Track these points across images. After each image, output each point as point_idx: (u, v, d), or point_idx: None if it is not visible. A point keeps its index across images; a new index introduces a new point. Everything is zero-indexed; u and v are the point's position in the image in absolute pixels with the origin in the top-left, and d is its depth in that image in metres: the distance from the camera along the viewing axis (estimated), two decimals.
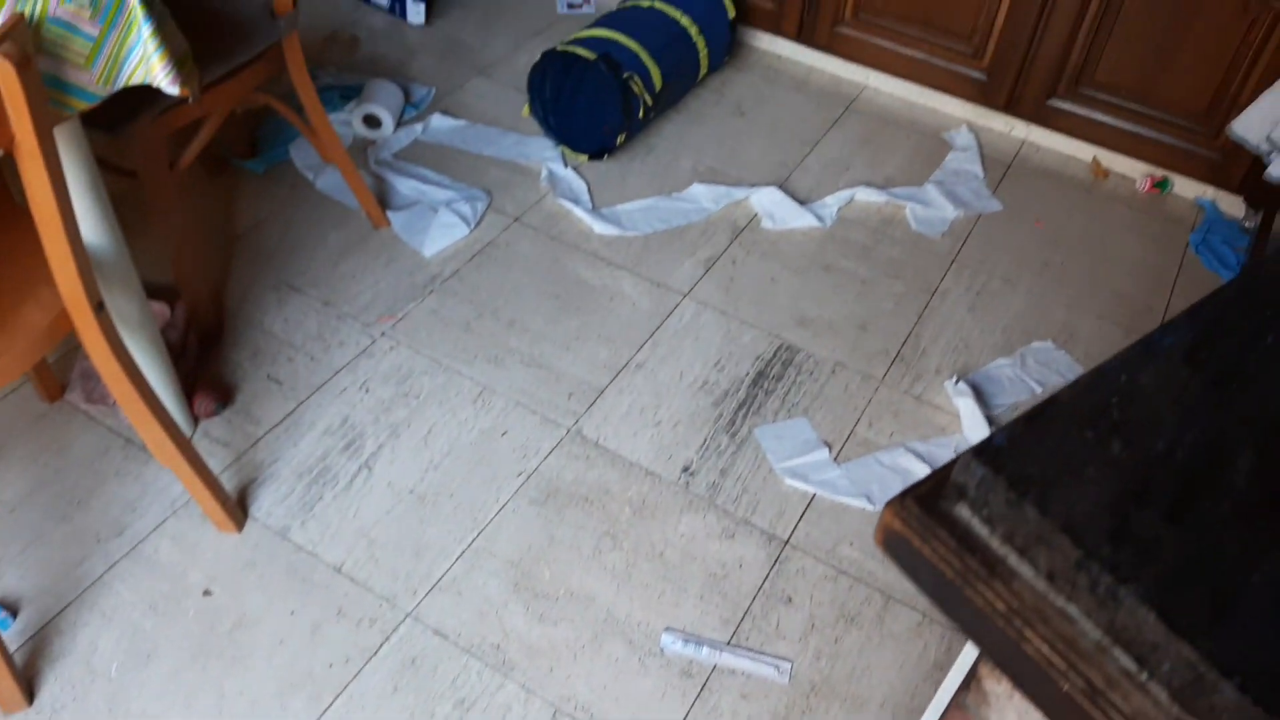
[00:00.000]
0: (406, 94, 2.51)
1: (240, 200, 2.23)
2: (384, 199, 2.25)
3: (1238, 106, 2.15)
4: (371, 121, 2.40)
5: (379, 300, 2.03)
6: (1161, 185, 2.40)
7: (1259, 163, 2.14)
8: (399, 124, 2.43)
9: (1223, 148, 2.25)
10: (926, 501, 0.51)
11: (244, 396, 1.84)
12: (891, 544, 0.52)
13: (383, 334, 1.97)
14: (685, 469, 1.77)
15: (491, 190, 2.30)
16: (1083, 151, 2.48)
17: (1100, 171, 2.46)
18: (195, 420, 1.80)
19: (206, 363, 1.89)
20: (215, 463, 1.72)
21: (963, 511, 0.51)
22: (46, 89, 1.14)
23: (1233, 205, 2.35)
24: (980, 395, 1.89)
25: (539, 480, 1.74)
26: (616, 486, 1.73)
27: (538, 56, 2.35)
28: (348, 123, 2.41)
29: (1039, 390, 1.93)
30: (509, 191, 2.30)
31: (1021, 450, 0.51)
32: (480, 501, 1.70)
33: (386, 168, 2.33)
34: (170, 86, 1.23)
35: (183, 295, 1.88)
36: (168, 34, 1.22)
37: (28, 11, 1.13)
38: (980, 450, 0.50)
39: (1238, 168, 2.25)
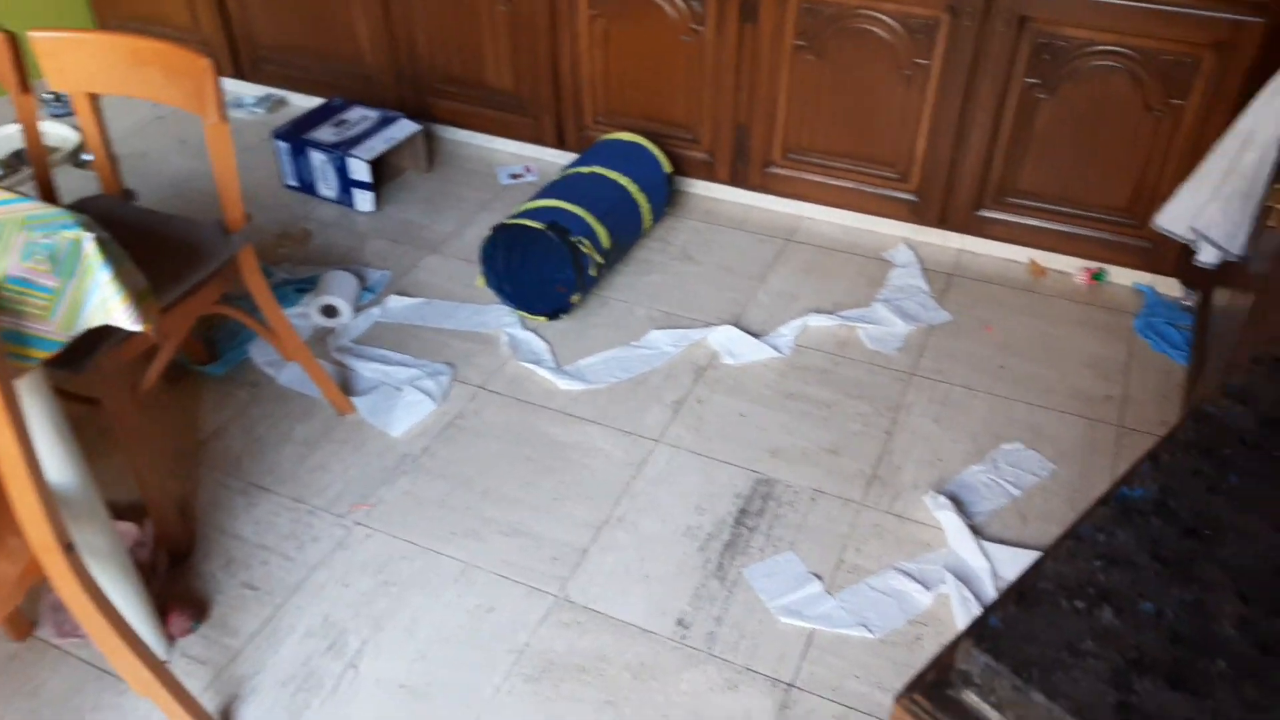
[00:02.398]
0: (362, 279, 2.56)
1: (202, 406, 2.23)
2: (347, 385, 2.26)
3: (1159, 196, 2.26)
4: (329, 311, 2.43)
5: (350, 489, 2.02)
6: (1099, 276, 2.49)
7: (1189, 248, 2.24)
8: (357, 310, 2.47)
9: (1151, 236, 2.35)
10: (934, 693, 0.51)
11: (219, 608, 1.79)
12: None
13: (357, 523, 1.94)
14: (680, 622, 1.74)
15: (454, 362, 2.32)
16: (1019, 254, 2.57)
17: (1038, 270, 2.55)
18: (171, 640, 1.74)
19: (178, 578, 1.85)
20: (195, 683, 1.66)
21: (971, 698, 0.51)
22: (7, 344, 1.15)
23: (1170, 286, 2.44)
24: (960, 505, 1.90)
25: (532, 655, 1.69)
26: (612, 651, 1.69)
27: (487, 230, 2.42)
28: (305, 315, 2.45)
29: (1016, 493, 1.94)
30: (471, 361, 2.33)
31: (1018, 631, 0.51)
32: (474, 687, 1.65)
33: (348, 354, 2.35)
34: (131, 325, 1.24)
35: (150, 513, 1.85)
36: (125, 273, 1.24)
37: None
38: (979, 636, 0.51)
39: (1169, 252, 2.35)
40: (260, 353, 2.34)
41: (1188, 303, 2.36)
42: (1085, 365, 2.26)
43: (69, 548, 1.26)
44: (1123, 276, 2.49)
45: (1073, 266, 2.52)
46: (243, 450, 2.11)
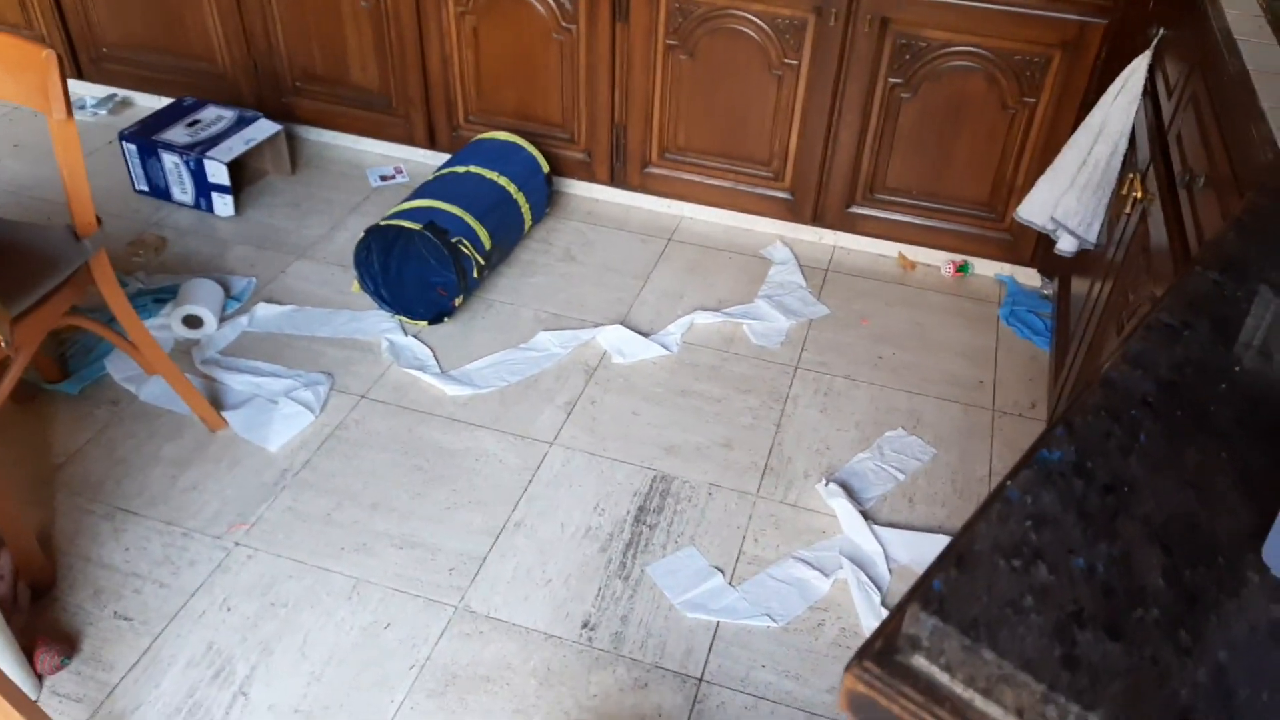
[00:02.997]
0: (226, 288, 2.43)
1: (56, 428, 2.07)
2: (217, 399, 2.14)
3: (1017, 190, 2.39)
4: (192, 322, 2.30)
5: (227, 508, 1.91)
6: (964, 268, 2.61)
7: (1046, 236, 2.38)
8: (222, 320, 2.34)
9: (1010, 229, 2.48)
10: (883, 659, 0.52)
11: (91, 642, 1.67)
12: (858, 707, 0.52)
13: (237, 544, 1.84)
14: (585, 624, 1.72)
15: (332, 371, 2.23)
16: (889, 249, 2.67)
17: (908, 264, 2.65)
18: (40, 679, 1.61)
19: (43, 612, 1.70)
20: None
21: (920, 662, 0.51)
22: None
23: (1030, 277, 2.58)
24: (850, 492, 1.95)
25: (434, 669, 1.64)
26: (517, 659, 1.66)
27: (359, 233, 2.34)
28: (167, 326, 2.30)
29: (902, 478, 2.01)
30: (350, 369, 2.24)
31: (960, 593, 0.52)
32: (375, 707, 1.59)
33: (215, 366, 2.22)
34: None
35: (5, 545, 1.70)
36: None
37: None
38: (924, 599, 0.51)
39: (1027, 244, 2.48)
40: (118, 368, 2.19)
41: (1046, 291, 2.51)
42: (957, 353, 2.36)
43: None
44: (986, 268, 2.62)
45: (939, 260, 2.64)
46: (105, 473, 1.97)
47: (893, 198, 2.56)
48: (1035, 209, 2.10)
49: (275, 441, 2.05)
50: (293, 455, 2.03)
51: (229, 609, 1.73)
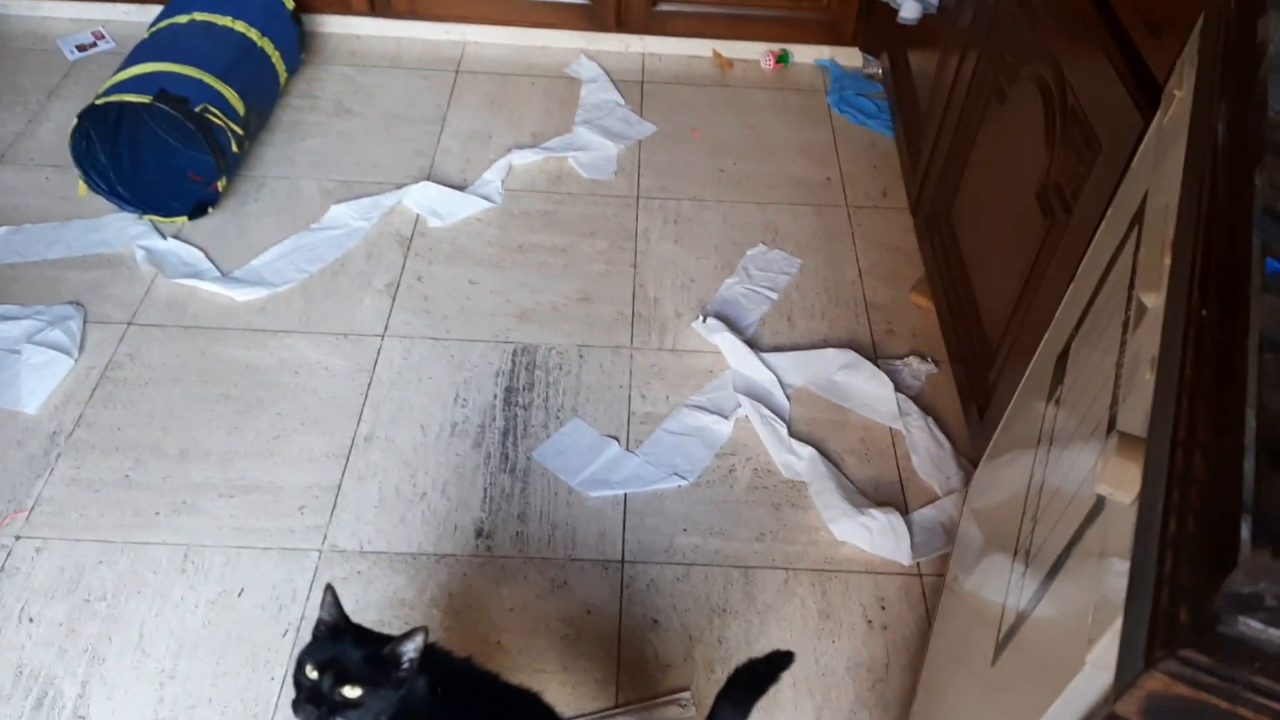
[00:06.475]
0: None
1: None
2: None
3: None
4: None
5: None
6: (783, 58, 2.41)
7: (869, 12, 2.20)
8: None
9: (828, 8, 2.28)
10: (1204, 641, 0.33)
11: None
12: (1163, 712, 0.34)
13: (18, 538, 1.46)
14: (479, 533, 1.49)
15: (81, 300, 1.78)
16: (702, 48, 2.42)
17: (724, 63, 2.42)
18: None
19: None
20: None
21: (1254, 629, 0.33)
22: None
23: (851, 57, 2.42)
24: (728, 323, 1.78)
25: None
26: (410, 591, 1.42)
27: (71, 120, 1.83)
28: None
29: (774, 296, 1.86)
30: (104, 294, 1.80)
31: None
32: (251, 691, 1.31)
33: None
34: None
35: None
36: None
37: None
38: (1256, 536, 0.33)
39: (847, 20, 2.30)
40: None
41: (871, 70, 2.36)
42: (797, 152, 2.20)
43: None
44: (805, 55, 2.43)
45: (757, 52, 2.42)
46: None
47: None
48: None
49: (31, 401, 1.62)
50: (58, 413, 1.61)
51: (30, 619, 1.37)
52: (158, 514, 1.49)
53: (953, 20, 1.72)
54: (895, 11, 1.91)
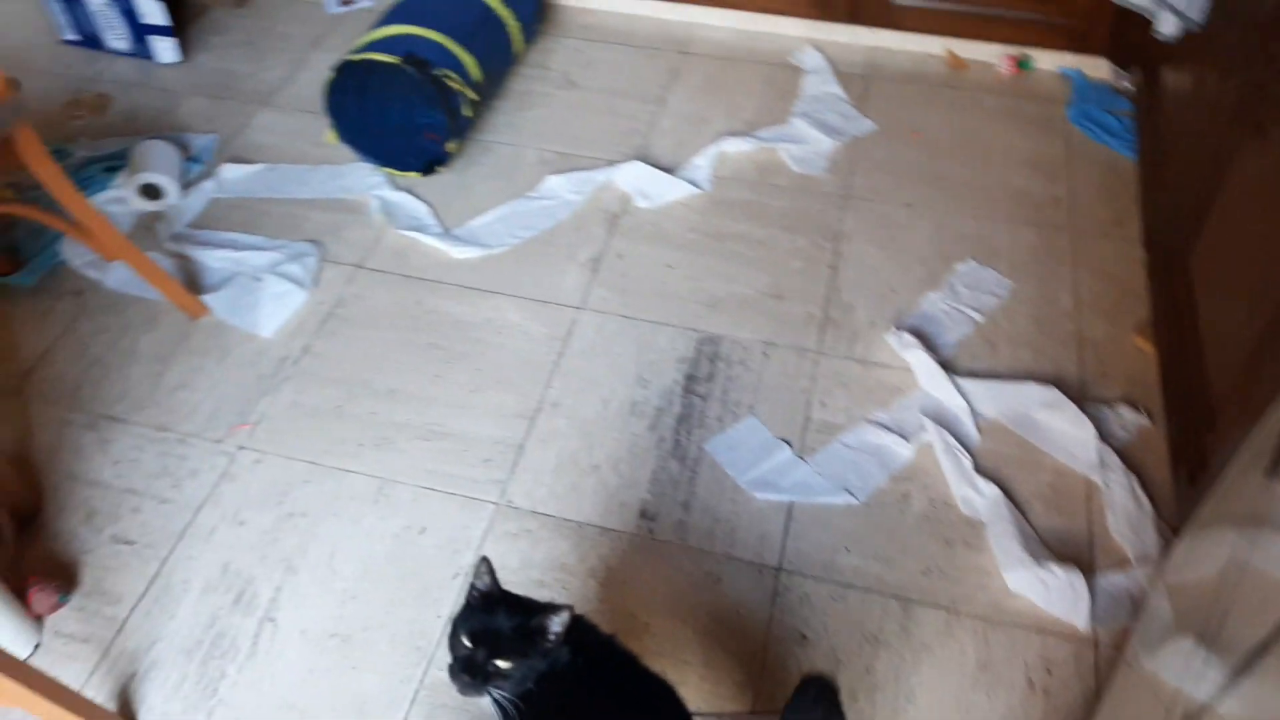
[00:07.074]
0: (184, 148, 2.11)
1: (17, 327, 1.81)
2: (193, 281, 1.88)
3: None
4: (151, 192, 1.99)
5: (224, 407, 1.69)
6: (1024, 64, 2.28)
7: (1124, 21, 2.05)
8: (185, 186, 2.04)
9: (1078, 11, 2.14)
10: None
11: (91, 572, 1.48)
12: None
13: (241, 448, 1.63)
14: (644, 514, 1.54)
15: (320, 239, 1.96)
16: (935, 45, 2.33)
17: (958, 63, 2.32)
18: (38, 620, 1.43)
19: (32, 544, 1.51)
20: (78, 668, 1.37)
21: None
22: None
23: (1097, 69, 2.26)
24: (925, 340, 1.73)
25: None
26: (572, 558, 1.49)
27: (329, 72, 1.99)
28: (123, 200, 2.00)
29: (979, 318, 1.79)
30: (340, 235, 1.97)
31: None
32: (418, 624, 1.42)
33: (185, 243, 1.94)
34: None
35: None
36: None
37: None
38: None
39: (1100, 30, 2.15)
40: (76, 253, 1.91)
41: (1123, 85, 2.19)
42: (1024, 164, 2.08)
43: None
44: (1048, 62, 2.29)
45: (994, 55, 2.31)
46: (80, 376, 1.73)
47: None
48: None
49: (268, 326, 1.80)
50: (289, 340, 1.79)
51: (241, 523, 1.54)
52: (361, 445, 1.63)
53: (1216, 40, 1.57)
54: (1150, 23, 1.77)
